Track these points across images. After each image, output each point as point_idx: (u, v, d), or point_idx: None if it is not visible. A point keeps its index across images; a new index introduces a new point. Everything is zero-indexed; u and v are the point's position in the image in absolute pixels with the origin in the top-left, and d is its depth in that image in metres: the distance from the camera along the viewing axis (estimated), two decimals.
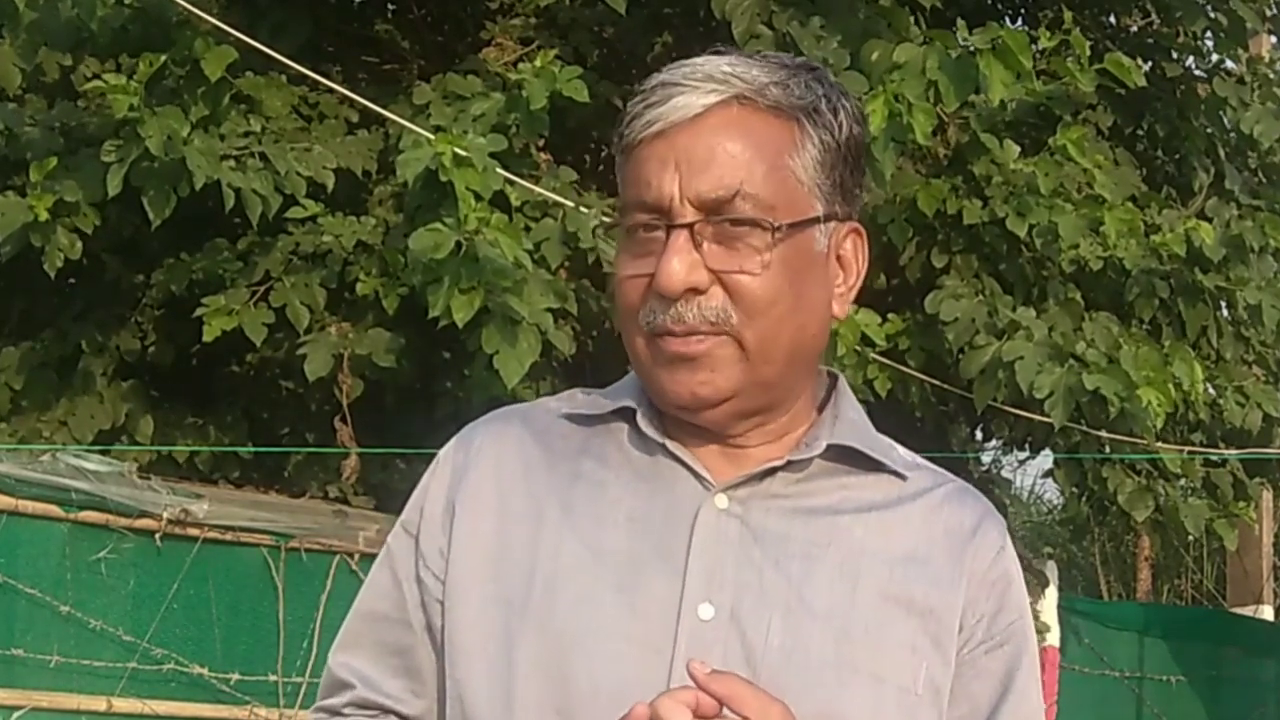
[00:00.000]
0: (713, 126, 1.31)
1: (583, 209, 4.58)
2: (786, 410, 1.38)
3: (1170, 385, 4.80)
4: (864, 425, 1.41)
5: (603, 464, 1.39)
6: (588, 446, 1.41)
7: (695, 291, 1.30)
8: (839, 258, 1.37)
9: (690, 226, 1.30)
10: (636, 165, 1.33)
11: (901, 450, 1.43)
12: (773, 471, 1.36)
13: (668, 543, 1.34)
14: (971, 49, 4.39)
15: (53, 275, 4.52)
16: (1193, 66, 6.40)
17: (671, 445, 1.37)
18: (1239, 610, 9.52)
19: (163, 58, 4.27)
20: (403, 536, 1.44)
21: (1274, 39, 7.91)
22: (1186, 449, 5.75)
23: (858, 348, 4.84)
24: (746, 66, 1.33)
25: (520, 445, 1.42)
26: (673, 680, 1.28)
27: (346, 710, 1.45)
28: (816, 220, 1.33)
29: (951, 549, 1.38)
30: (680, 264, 1.29)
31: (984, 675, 1.38)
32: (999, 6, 6.26)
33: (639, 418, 1.38)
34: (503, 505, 1.39)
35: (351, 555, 4.71)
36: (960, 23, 4.54)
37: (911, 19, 4.97)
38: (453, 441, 1.46)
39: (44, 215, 4.37)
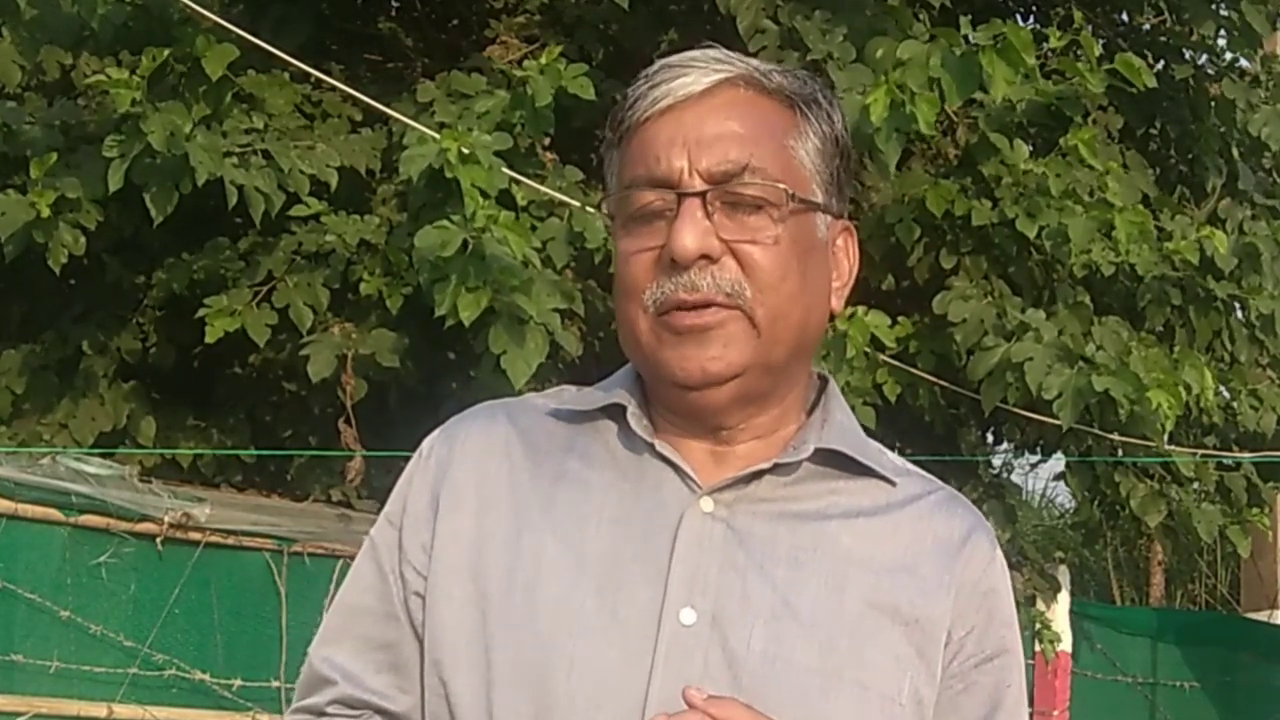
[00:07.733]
0: (720, 104, 1.32)
1: (589, 209, 4.54)
2: (780, 401, 1.37)
3: (1180, 389, 4.75)
4: (853, 429, 1.40)
5: (587, 463, 1.38)
6: (573, 445, 1.40)
7: (708, 259, 1.30)
8: (834, 253, 1.39)
9: (703, 195, 1.30)
10: (642, 144, 1.33)
11: (891, 455, 1.42)
12: (760, 474, 1.34)
13: (651, 546, 1.32)
14: (975, 46, 4.35)
15: (57, 271, 4.47)
16: (1205, 66, 6.34)
17: (660, 444, 1.35)
18: (1253, 615, 9.50)
19: (165, 53, 4.23)
20: (386, 529, 1.43)
21: None
22: (1200, 452, 5.70)
23: (867, 350, 4.79)
24: (748, 59, 1.36)
25: (505, 442, 1.40)
26: (652, 686, 1.27)
27: (331, 710, 1.41)
28: (818, 207, 1.35)
29: (940, 559, 1.36)
30: (693, 230, 1.29)
31: (974, 689, 1.37)
32: (1009, 4, 6.21)
33: (629, 414, 1.37)
34: (485, 504, 1.37)
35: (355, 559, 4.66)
36: (964, 20, 4.50)
37: (919, 16, 4.92)
38: (436, 434, 1.45)
39: (46, 212, 4.32)
